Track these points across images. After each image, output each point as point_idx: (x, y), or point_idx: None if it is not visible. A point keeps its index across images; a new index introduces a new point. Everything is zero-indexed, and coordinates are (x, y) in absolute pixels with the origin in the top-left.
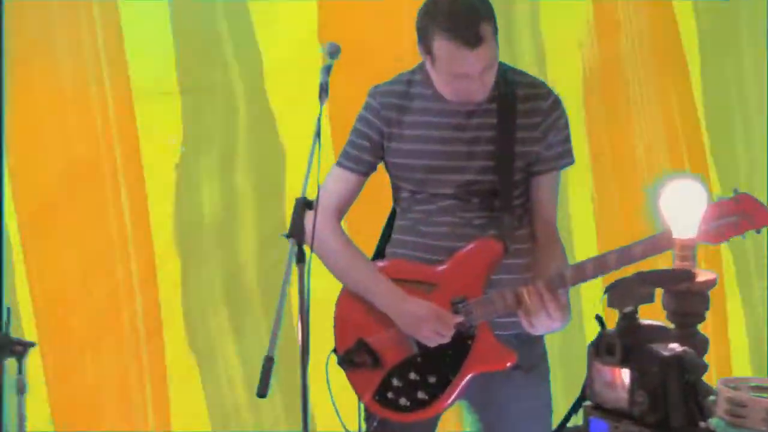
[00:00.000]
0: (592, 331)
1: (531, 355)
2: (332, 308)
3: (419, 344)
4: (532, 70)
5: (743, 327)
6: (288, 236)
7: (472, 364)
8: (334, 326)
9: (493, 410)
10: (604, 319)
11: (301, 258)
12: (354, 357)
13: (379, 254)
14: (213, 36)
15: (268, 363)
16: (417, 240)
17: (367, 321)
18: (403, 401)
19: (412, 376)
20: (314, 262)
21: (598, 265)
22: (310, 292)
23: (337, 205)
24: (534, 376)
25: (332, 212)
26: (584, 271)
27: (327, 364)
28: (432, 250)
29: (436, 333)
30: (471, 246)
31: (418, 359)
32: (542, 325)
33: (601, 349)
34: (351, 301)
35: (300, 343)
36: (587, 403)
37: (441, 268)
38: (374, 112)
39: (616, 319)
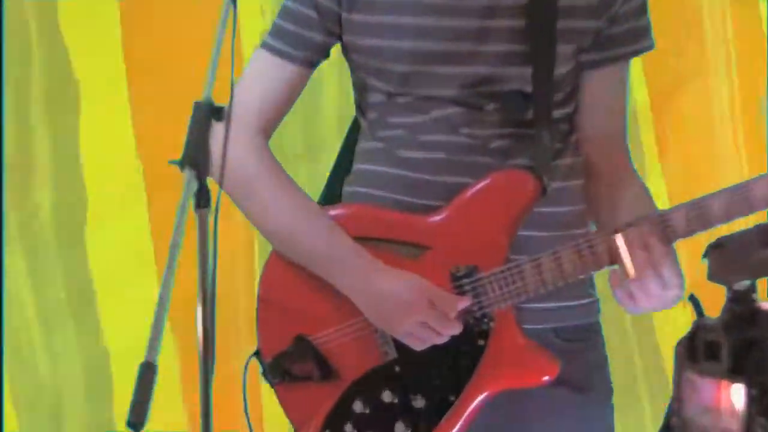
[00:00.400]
0: (678, 322)
1: (584, 363)
2: (255, 284)
3: (399, 346)
4: None
5: None
6: (181, 164)
7: (487, 377)
8: (257, 314)
9: None
10: (700, 302)
11: (203, 199)
12: (289, 365)
13: (331, 198)
14: None
15: (147, 374)
16: (395, 173)
17: (311, 307)
18: None
19: (387, 397)
20: (227, 208)
21: (699, 215)
22: (217, 255)
23: (264, 115)
24: (588, 399)
25: (255, 126)
26: (709, 213)
27: (245, 375)
28: (420, 190)
29: (427, 327)
30: (485, 183)
31: (397, 370)
32: (650, 296)
33: (697, 350)
34: (285, 274)
35: (199, 341)
36: None
37: (436, 219)
38: None
39: (722, 303)
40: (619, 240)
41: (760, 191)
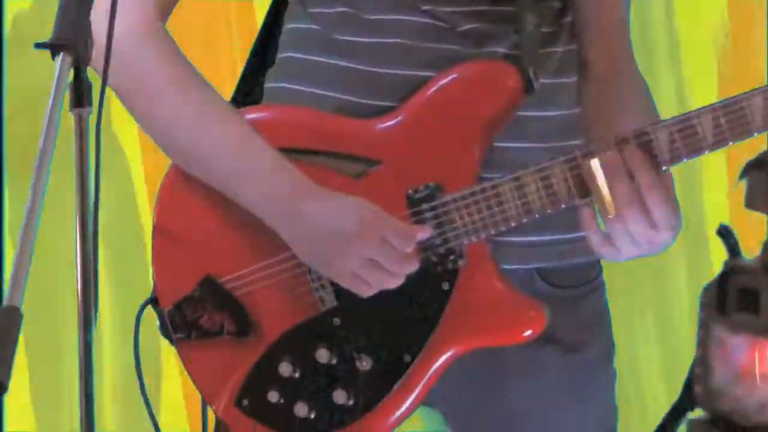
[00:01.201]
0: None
1: (578, 314)
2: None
3: (339, 291)
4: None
5: None
6: (51, 47)
7: (452, 331)
8: (153, 249)
9: (497, 426)
10: (734, 235)
11: (82, 95)
12: (194, 315)
13: (246, 95)
14: None
15: (12, 320)
16: (334, 63)
17: (223, 239)
18: (300, 410)
19: (323, 357)
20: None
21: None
22: (100, 171)
23: None
24: (583, 360)
25: (149, 5)
26: (696, 131)
27: (137, 325)
28: (367, 86)
29: (376, 266)
30: (451, 77)
31: (337, 322)
32: (636, 238)
33: (729, 300)
34: (187, 196)
35: (78, 289)
36: (695, 413)
37: (387, 125)
38: None
39: (763, 239)
40: (595, 164)
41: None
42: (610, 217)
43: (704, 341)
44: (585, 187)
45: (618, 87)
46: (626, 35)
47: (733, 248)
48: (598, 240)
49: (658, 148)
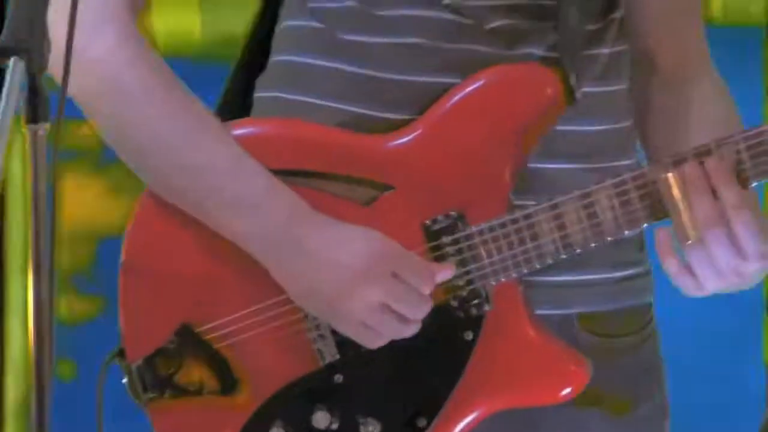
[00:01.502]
0: None
1: (627, 369)
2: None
3: (342, 342)
4: None
5: None
6: (2, 51)
7: (477, 390)
8: (120, 290)
9: None
10: None
11: (37, 108)
12: (168, 371)
13: (235, 106)
14: None
15: None
16: (340, 68)
17: (204, 280)
18: None
19: (322, 420)
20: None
21: None
22: (53, 193)
23: None
24: (633, 423)
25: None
26: None
27: (100, 389)
28: (379, 96)
29: (388, 311)
30: (477, 84)
31: (339, 379)
32: (721, 267)
33: None
34: (162, 226)
35: (32, 329)
36: None
37: (401, 142)
38: None
39: None
40: (672, 180)
41: None
42: (689, 242)
43: None
44: (653, 208)
45: (693, 92)
46: (698, 26)
47: None
48: (675, 269)
49: (746, 161)
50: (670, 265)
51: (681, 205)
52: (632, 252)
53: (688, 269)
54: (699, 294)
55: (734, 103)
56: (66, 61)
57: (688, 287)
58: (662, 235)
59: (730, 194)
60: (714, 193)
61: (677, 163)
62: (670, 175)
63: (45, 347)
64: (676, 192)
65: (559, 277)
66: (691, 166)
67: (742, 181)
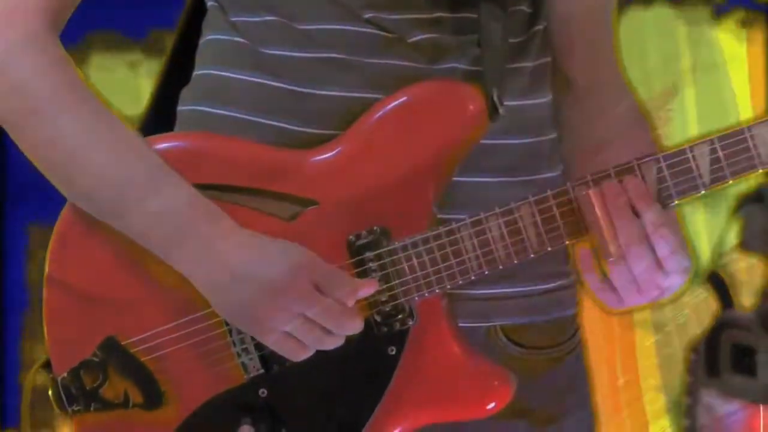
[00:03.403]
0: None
1: (552, 381)
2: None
3: (266, 356)
4: None
5: None
6: None
7: (401, 405)
8: (45, 304)
9: None
10: (726, 285)
11: None
12: (93, 384)
13: (157, 120)
14: None
15: None
16: (261, 82)
17: (127, 293)
18: None
19: None
20: None
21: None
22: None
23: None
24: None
25: (35, 8)
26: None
27: (26, 393)
28: (300, 111)
29: (310, 324)
30: (400, 100)
31: (263, 394)
32: (642, 283)
33: (720, 358)
34: (85, 240)
35: None
36: None
37: (324, 157)
38: None
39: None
40: (592, 198)
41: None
42: (611, 260)
43: (692, 408)
44: (576, 225)
45: (606, 107)
46: (611, 41)
47: (725, 300)
48: (596, 285)
49: (667, 179)
50: (591, 281)
51: (602, 223)
52: (557, 264)
53: (610, 284)
54: (619, 308)
55: (646, 120)
56: None
57: (609, 301)
58: (583, 251)
59: (649, 213)
60: (634, 210)
61: (598, 180)
62: (591, 192)
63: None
64: (596, 210)
65: (483, 290)
66: (611, 184)
67: (663, 200)
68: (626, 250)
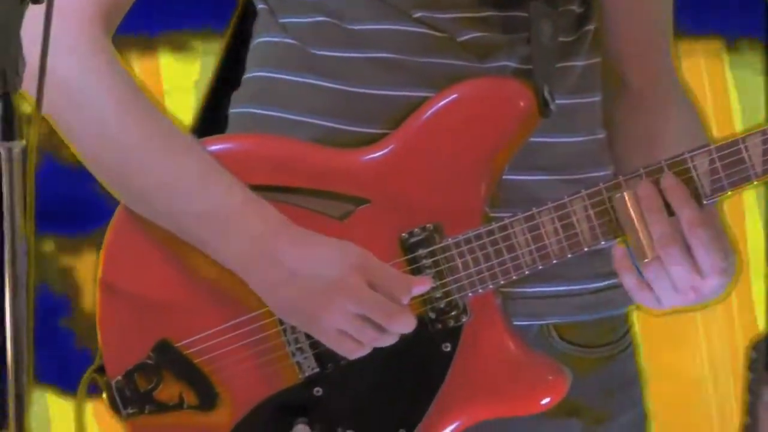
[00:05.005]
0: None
1: (605, 379)
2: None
3: (321, 354)
4: None
5: None
6: None
7: (456, 401)
8: (99, 307)
9: None
10: None
11: (10, 126)
12: (147, 387)
13: (209, 123)
14: None
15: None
16: (312, 83)
17: (181, 295)
18: None
19: None
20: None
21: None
22: (30, 213)
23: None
24: (615, 430)
25: (91, 11)
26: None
27: (80, 397)
28: (351, 111)
29: (365, 322)
30: (451, 98)
31: (318, 392)
32: (678, 284)
33: None
34: (139, 243)
35: (8, 348)
36: None
37: (375, 156)
38: None
39: None
40: (626, 199)
41: None
42: (646, 260)
43: (754, 407)
44: (614, 226)
45: (661, 110)
46: (669, 50)
47: None
48: (633, 285)
49: (699, 178)
50: (629, 281)
51: (637, 224)
52: (609, 263)
53: (647, 285)
54: (658, 308)
55: (704, 127)
56: (40, 80)
57: (646, 302)
58: (619, 250)
59: (686, 211)
60: (669, 210)
61: (650, 173)
62: (624, 193)
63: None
64: (630, 210)
65: (537, 289)
66: (645, 184)
67: (714, 192)
68: (660, 251)
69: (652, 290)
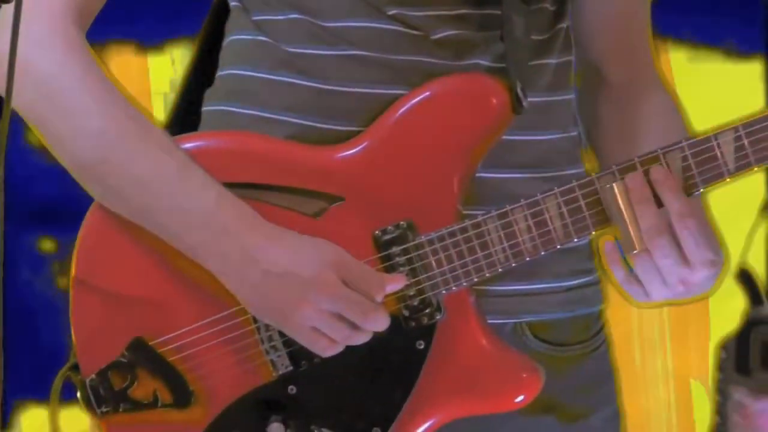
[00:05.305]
0: (725, 312)
1: (579, 377)
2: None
3: (295, 352)
4: None
5: None
6: None
7: (430, 399)
8: (72, 305)
9: None
10: (756, 281)
11: None
12: (121, 385)
13: (183, 121)
14: None
15: None
16: (286, 81)
17: (155, 293)
18: None
19: (277, 431)
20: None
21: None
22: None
23: None
24: (589, 428)
25: (61, 7)
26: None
27: (54, 396)
28: (325, 108)
29: (339, 320)
30: (424, 95)
31: (292, 391)
32: (667, 277)
33: (751, 356)
34: (112, 240)
35: None
36: None
37: (349, 153)
38: None
39: None
40: (615, 190)
41: None
42: (634, 252)
43: (722, 405)
44: (602, 215)
45: (641, 106)
46: (647, 41)
47: (755, 295)
48: (622, 277)
49: (692, 168)
50: (617, 274)
51: (626, 215)
52: (582, 261)
53: (635, 277)
54: (647, 301)
55: (684, 117)
56: (9, 71)
57: (635, 295)
58: (607, 243)
59: (675, 203)
60: (658, 201)
61: (621, 171)
62: (614, 185)
63: None
64: (620, 202)
65: (509, 287)
66: (635, 176)
67: (689, 188)
68: (649, 242)
69: (641, 283)
